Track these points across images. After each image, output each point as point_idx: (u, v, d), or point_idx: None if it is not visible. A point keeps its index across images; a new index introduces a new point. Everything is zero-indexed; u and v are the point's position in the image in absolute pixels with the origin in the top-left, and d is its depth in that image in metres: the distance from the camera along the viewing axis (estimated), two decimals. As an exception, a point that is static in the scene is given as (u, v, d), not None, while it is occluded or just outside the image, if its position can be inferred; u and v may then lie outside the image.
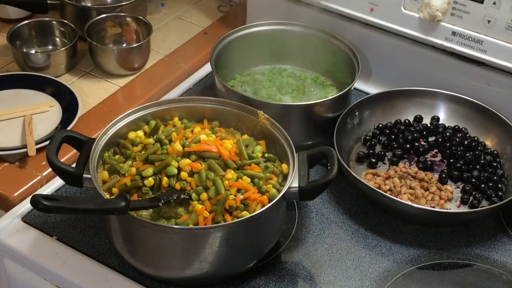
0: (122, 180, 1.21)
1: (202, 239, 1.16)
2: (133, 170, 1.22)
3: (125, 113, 1.30)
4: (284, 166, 1.26)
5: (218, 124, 1.34)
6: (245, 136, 1.31)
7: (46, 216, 1.33)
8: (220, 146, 1.24)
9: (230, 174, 1.21)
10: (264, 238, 1.23)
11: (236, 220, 1.16)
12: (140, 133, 1.29)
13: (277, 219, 1.25)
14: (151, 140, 1.27)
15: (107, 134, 1.27)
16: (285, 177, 1.25)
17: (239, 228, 1.17)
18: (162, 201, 1.18)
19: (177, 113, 1.34)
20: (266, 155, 1.29)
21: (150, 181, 1.20)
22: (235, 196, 1.19)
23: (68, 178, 1.22)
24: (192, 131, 1.29)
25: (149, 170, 1.22)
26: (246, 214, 1.17)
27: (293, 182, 1.20)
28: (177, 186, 1.20)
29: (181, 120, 1.34)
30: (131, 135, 1.29)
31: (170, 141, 1.27)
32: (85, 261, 1.28)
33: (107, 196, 1.19)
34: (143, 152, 1.26)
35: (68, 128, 1.48)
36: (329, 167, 1.22)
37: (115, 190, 1.21)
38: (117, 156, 1.27)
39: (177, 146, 1.24)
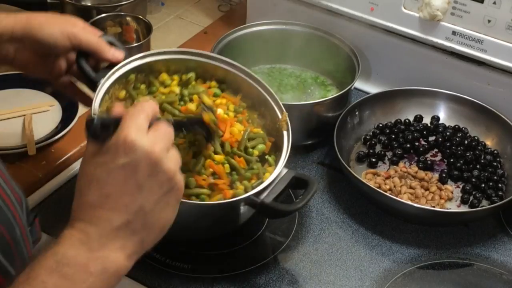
0: None
1: None
2: None
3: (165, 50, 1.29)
4: (267, 175, 1.21)
5: (226, 87, 1.32)
6: (259, 130, 1.29)
7: (46, 216, 1.33)
8: (229, 127, 1.22)
9: (218, 157, 1.18)
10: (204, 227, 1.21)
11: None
12: (175, 77, 1.28)
13: (226, 218, 1.22)
14: (176, 90, 1.26)
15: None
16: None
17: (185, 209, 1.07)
18: (184, 128, 1.13)
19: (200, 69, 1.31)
20: (267, 156, 1.27)
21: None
22: (207, 177, 1.17)
23: (88, 82, 1.23)
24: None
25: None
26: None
27: (262, 194, 1.16)
28: (206, 117, 1.15)
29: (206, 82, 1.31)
30: (164, 76, 1.28)
31: (191, 100, 1.25)
32: (85, 261, 1.27)
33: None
34: (163, 97, 1.24)
35: (68, 128, 1.48)
36: (300, 198, 1.18)
37: None
38: (142, 86, 1.26)
39: (191, 106, 1.22)
